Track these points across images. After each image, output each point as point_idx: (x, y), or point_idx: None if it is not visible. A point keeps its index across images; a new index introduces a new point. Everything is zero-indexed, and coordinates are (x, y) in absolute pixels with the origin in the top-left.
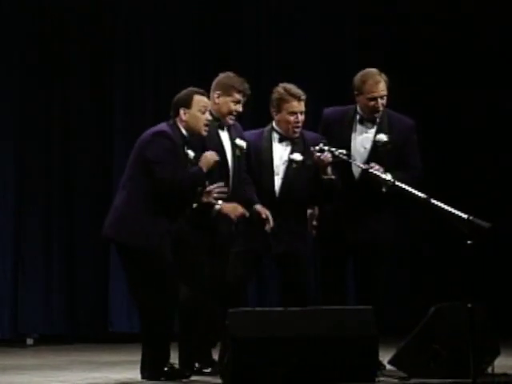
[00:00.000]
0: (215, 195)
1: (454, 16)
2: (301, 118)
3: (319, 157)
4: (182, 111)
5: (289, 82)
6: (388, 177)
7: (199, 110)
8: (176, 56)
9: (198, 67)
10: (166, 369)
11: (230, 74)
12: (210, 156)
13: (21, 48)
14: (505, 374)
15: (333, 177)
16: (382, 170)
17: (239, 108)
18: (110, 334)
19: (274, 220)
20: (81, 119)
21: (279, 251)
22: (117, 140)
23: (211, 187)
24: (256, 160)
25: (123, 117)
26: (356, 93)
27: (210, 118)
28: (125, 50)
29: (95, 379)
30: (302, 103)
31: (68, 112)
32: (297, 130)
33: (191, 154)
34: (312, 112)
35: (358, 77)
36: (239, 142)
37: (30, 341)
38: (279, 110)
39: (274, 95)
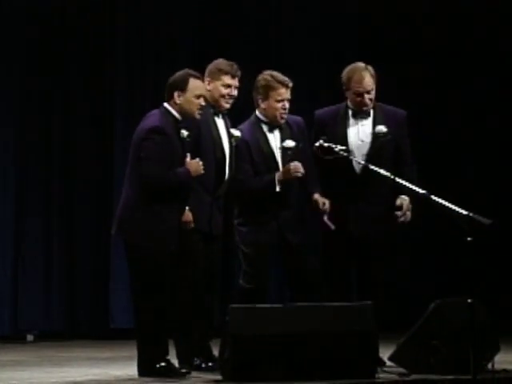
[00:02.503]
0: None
1: (454, 16)
2: (287, 105)
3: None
4: (176, 94)
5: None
6: (387, 173)
7: (194, 95)
8: (176, 56)
9: (198, 67)
10: (157, 366)
11: (219, 60)
12: (199, 165)
13: (21, 48)
14: (505, 370)
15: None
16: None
17: (232, 92)
18: (110, 330)
19: (284, 210)
20: (81, 119)
21: (296, 241)
22: (117, 140)
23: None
24: (259, 152)
25: (123, 118)
26: (344, 88)
27: (203, 103)
28: (125, 49)
29: (95, 375)
30: (289, 90)
31: (68, 112)
32: (284, 116)
33: (185, 133)
34: (312, 112)
35: (344, 72)
36: (233, 131)
37: (30, 337)
38: (266, 98)
39: (261, 82)
